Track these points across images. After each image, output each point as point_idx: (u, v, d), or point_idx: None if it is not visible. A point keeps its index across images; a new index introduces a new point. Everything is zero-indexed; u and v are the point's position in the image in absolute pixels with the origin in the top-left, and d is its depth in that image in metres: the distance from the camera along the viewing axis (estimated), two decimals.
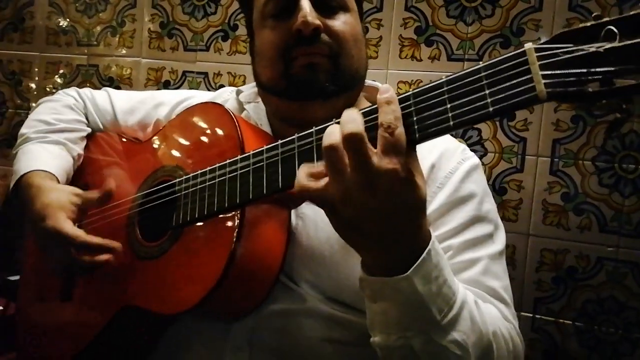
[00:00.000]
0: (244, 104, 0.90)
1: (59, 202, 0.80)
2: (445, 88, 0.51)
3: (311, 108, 0.76)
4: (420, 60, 1.31)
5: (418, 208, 0.53)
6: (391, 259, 0.54)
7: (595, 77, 0.46)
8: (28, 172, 0.86)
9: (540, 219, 1.24)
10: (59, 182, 0.87)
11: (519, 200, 1.25)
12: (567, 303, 1.23)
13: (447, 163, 0.78)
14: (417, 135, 0.52)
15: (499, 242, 0.77)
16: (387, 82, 1.34)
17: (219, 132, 0.76)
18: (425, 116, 0.51)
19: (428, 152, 0.78)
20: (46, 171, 0.86)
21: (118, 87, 1.57)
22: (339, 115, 0.53)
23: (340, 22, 0.77)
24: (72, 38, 1.62)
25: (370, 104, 0.54)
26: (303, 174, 0.54)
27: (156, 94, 1.01)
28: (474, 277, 0.70)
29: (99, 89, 1.04)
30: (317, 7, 0.75)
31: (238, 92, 0.93)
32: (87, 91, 1.02)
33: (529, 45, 0.48)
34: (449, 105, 0.51)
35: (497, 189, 1.26)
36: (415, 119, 0.52)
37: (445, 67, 1.29)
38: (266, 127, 0.85)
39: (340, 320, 0.73)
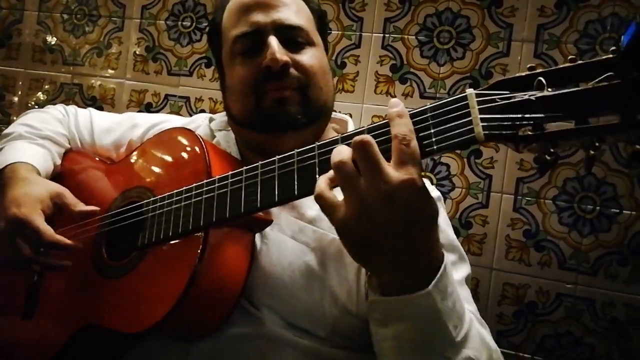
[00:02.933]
0: (215, 132, 0.92)
1: (40, 195, 0.80)
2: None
3: (282, 139, 0.79)
4: (394, 96, 1.37)
5: (434, 220, 0.52)
6: (409, 276, 0.52)
7: (528, 122, 0.50)
8: (15, 163, 0.86)
9: (503, 254, 1.28)
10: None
11: (483, 235, 1.30)
12: (527, 337, 1.26)
13: None
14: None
15: (463, 268, 0.78)
16: (362, 116, 1.39)
17: (188, 156, 0.79)
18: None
19: None
20: (35, 166, 0.86)
21: (100, 107, 1.60)
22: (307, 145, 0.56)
23: (308, 57, 0.80)
24: (58, 56, 1.65)
25: (336, 135, 0.57)
26: (324, 180, 0.53)
27: (134, 116, 1.03)
28: None
29: (82, 107, 1.06)
30: (284, 44, 0.79)
31: (210, 120, 0.96)
32: (71, 108, 1.04)
33: (470, 91, 0.52)
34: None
35: (464, 223, 1.31)
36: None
37: (418, 103, 1.34)
38: (235, 154, 0.87)
39: (299, 347, 0.73)
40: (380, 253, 0.50)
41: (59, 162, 0.96)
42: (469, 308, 0.70)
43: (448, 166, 1.33)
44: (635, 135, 0.50)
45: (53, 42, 1.66)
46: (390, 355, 0.57)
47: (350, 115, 1.36)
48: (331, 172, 0.53)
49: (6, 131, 0.96)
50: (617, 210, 1.22)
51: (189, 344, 0.75)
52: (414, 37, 1.36)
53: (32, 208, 0.77)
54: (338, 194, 0.52)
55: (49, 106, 1.04)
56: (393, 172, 0.49)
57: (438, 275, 0.52)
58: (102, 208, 0.85)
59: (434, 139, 0.53)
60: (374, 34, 1.39)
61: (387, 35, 1.38)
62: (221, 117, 0.95)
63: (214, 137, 0.92)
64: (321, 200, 0.52)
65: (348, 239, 0.52)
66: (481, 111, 0.51)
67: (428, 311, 0.52)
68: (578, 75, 0.52)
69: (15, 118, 1.63)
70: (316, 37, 0.84)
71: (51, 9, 1.66)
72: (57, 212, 0.81)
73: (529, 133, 0.50)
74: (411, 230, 0.50)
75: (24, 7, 1.68)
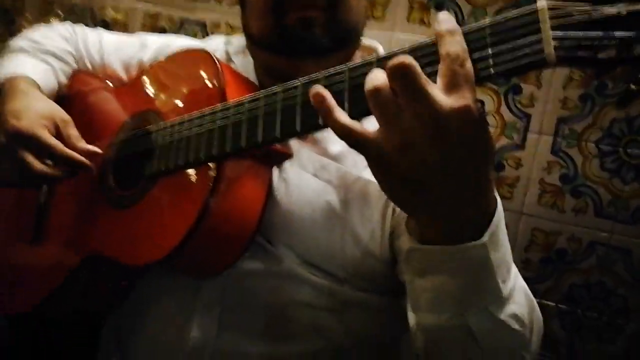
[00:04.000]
0: (232, 56, 0.85)
1: (43, 111, 0.73)
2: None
3: (302, 65, 0.71)
4: (429, 25, 1.25)
5: (491, 157, 0.45)
6: (458, 222, 0.45)
7: (613, 42, 0.42)
8: (15, 76, 0.79)
9: (536, 199, 1.21)
10: None
11: (515, 178, 1.22)
12: (554, 285, 1.22)
13: None
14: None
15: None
16: (391, 47, 1.28)
17: (202, 78, 0.72)
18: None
19: None
20: (35, 81, 0.80)
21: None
22: None
23: None
24: None
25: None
26: (336, 110, 0.44)
27: (144, 36, 0.96)
28: None
29: None
30: None
31: (227, 43, 0.88)
32: (80, 27, 0.98)
33: (541, 4, 0.44)
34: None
35: (496, 164, 1.23)
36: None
37: None
38: (254, 80, 0.80)
39: (317, 286, 0.70)
40: (426, 194, 0.43)
41: (64, 80, 0.90)
42: None
43: (482, 103, 1.23)
44: None
45: None
46: (426, 307, 0.51)
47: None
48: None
49: (8, 43, 0.90)
50: None
51: (201, 280, 0.72)
52: None
53: (35, 122, 0.71)
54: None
55: (55, 23, 0.97)
56: (443, 98, 0.40)
57: (492, 224, 0.45)
58: (110, 133, 0.80)
59: (491, 61, 0.44)
60: None
61: None
62: (239, 40, 0.87)
63: (230, 61, 0.85)
64: (350, 136, 0.43)
65: (386, 177, 0.44)
66: (554, 27, 0.42)
67: (479, 264, 0.45)
68: None
69: None
70: None
71: None
72: (61, 135, 0.74)
73: (616, 56, 0.42)
74: (465, 169, 0.42)
75: None
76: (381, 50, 0.84)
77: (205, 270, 0.72)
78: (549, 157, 1.20)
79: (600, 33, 0.42)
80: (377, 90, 0.42)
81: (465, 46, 0.43)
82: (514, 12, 0.45)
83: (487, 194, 0.45)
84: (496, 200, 0.47)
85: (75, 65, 0.92)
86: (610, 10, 0.42)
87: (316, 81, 0.52)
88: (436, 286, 0.49)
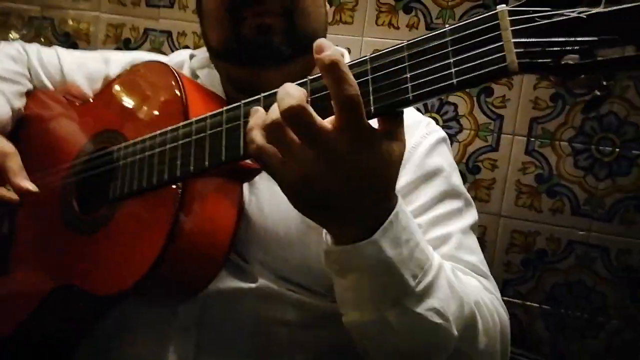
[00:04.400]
0: (197, 70, 0.83)
1: None
2: (405, 54, 0.45)
3: (264, 74, 0.71)
4: (398, 28, 1.24)
5: (385, 176, 0.48)
6: (359, 228, 0.49)
7: (575, 47, 0.41)
8: None
9: (513, 200, 1.21)
10: None
11: (492, 180, 1.22)
12: (535, 286, 1.21)
13: (410, 138, 0.73)
14: (372, 108, 0.45)
15: (469, 216, 0.73)
16: (361, 50, 1.27)
17: (163, 94, 0.69)
18: (383, 86, 0.45)
19: None
20: None
21: (75, 44, 1.46)
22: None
23: None
24: None
25: None
26: (258, 131, 0.47)
27: (107, 52, 0.93)
28: (449, 252, 0.67)
29: (54, 44, 0.94)
30: None
31: (191, 57, 0.86)
32: (32, 45, 0.93)
33: (502, 7, 0.42)
34: (408, 75, 0.44)
35: (471, 167, 1.22)
36: (372, 88, 0.45)
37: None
38: (220, 95, 0.78)
39: (294, 302, 0.69)
40: (327, 211, 0.48)
41: (17, 103, 0.85)
42: (467, 258, 0.67)
43: (455, 106, 1.23)
44: None
45: None
46: (351, 306, 0.54)
47: (349, 50, 1.24)
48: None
49: None
50: (639, 152, 1.13)
51: (177, 303, 0.69)
52: None
53: None
54: None
55: (1, 42, 0.92)
56: (335, 135, 0.43)
57: (385, 223, 0.48)
58: (72, 153, 0.76)
59: (453, 70, 0.43)
60: None
61: None
62: (203, 52, 0.85)
63: (196, 76, 0.82)
64: (260, 159, 0.47)
65: (293, 200, 0.48)
66: (515, 34, 0.41)
67: (377, 260, 0.49)
68: None
69: None
70: None
71: None
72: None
73: (579, 62, 0.41)
74: (359, 190, 0.46)
75: None
76: (347, 57, 0.83)
77: (180, 293, 0.69)
78: (524, 158, 1.19)
79: (562, 39, 0.41)
80: (272, 123, 0.44)
81: (353, 82, 0.42)
82: (474, 19, 0.43)
83: (384, 203, 0.49)
84: (395, 204, 0.50)
85: (30, 85, 0.88)
86: (571, 14, 0.41)
87: (257, 101, 0.52)
88: (353, 285, 0.52)
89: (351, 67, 0.46)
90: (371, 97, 0.45)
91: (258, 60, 0.70)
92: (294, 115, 0.42)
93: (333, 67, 0.41)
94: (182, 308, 0.69)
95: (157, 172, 0.62)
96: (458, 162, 1.18)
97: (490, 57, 0.42)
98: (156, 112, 0.70)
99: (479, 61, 0.42)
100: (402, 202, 0.51)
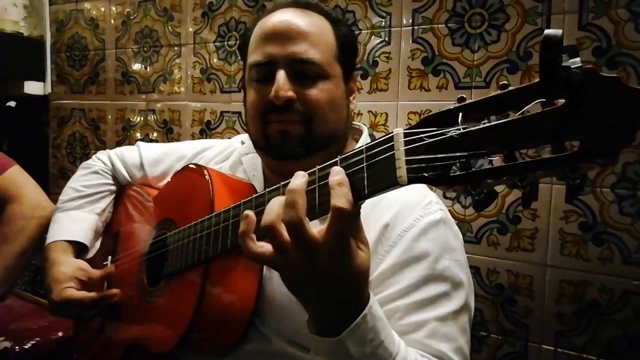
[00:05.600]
0: (242, 156, 0.98)
1: (65, 275, 0.97)
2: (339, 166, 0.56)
3: (286, 165, 0.83)
4: (429, 90, 1.32)
5: (357, 277, 0.56)
6: (330, 320, 0.57)
7: (453, 161, 0.47)
8: (50, 243, 1.04)
9: (558, 250, 1.18)
10: (74, 249, 1.04)
11: (534, 230, 1.20)
12: (591, 338, 1.16)
13: (403, 221, 0.78)
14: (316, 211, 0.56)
15: (457, 300, 0.75)
16: (397, 113, 1.36)
17: (196, 192, 0.86)
18: (323, 193, 0.55)
19: (387, 208, 0.79)
20: (64, 241, 1.03)
21: (171, 129, 1.78)
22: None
23: (316, 91, 0.81)
24: (134, 87, 1.86)
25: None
26: (247, 238, 0.58)
27: (180, 146, 1.13)
28: (420, 339, 0.71)
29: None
30: (295, 76, 0.81)
31: (242, 142, 1.01)
32: (117, 150, 1.17)
33: (397, 130, 0.51)
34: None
35: (511, 218, 1.23)
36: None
37: (453, 95, 1.28)
38: (259, 177, 0.93)
39: None
40: (305, 297, 0.58)
41: (101, 207, 1.11)
42: (437, 347, 0.71)
43: (492, 160, 1.25)
44: (569, 168, 0.45)
45: (129, 74, 1.87)
46: None
47: (387, 115, 1.35)
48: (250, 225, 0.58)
49: (59, 197, 1.13)
50: None
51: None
52: (443, 25, 1.29)
53: (61, 290, 0.95)
54: None
55: (94, 156, 1.18)
56: (323, 243, 0.53)
57: (352, 325, 0.56)
58: (146, 236, 0.97)
59: (366, 182, 0.53)
60: (402, 28, 1.35)
61: (416, 27, 1.33)
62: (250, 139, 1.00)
63: (240, 162, 0.98)
64: (253, 257, 0.58)
65: (282, 278, 0.58)
66: (408, 152, 0.49)
67: (340, 355, 0.56)
68: (509, 104, 0.47)
69: (108, 145, 1.89)
70: (333, 67, 0.84)
71: (125, 45, 1.87)
72: (84, 282, 0.98)
73: (460, 173, 0.47)
74: (332, 286, 0.55)
75: (104, 47, 1.92)
76: (365, 133, 0.93)
77: (213, 352, 0.84)
78: (564, 206, 1.17)
79: (443, 154, 0.47)
80: (270, 226, 0.55)
81: (349, 197, 0.53)
82: (380, 138, 0.53)
83: (355, 301, 0.57)
84: (364, 306, 0.57)
85: (112, 187, 1.13)
86: (449, 133, 0.48)
87: (261, 196, 0.65)
88: None
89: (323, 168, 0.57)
90: (316, 202, 0.56)
91: (279, 156, 0.84)
92: (294, 226, 0.53)
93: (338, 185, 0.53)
94: None
95: (191, 255, 0.79)
96: (498, 213, 1.21)
97: (386, 172, 0.51)
98: (193, 206, 0.86)
99: (379, 175, 0.51)
100: (373, 301, 0.59)
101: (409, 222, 0.77)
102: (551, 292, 1.19)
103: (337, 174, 0.54)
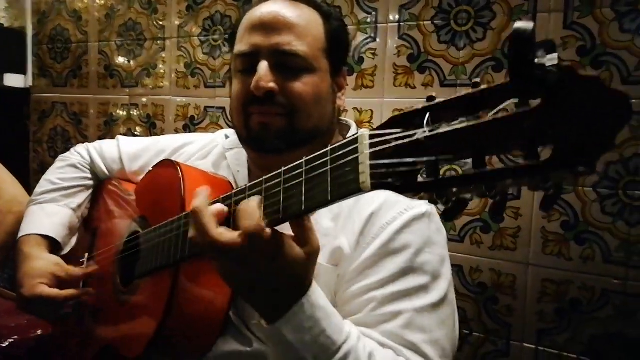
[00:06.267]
0: (226, 151, 0.95)
1: (39, 271, 0.93)
2: (304, 169, 0.53)
3: (268, 158, 0.82)
4: (415, 87, 1.31)
5: (291, 269, 0.57)
6: (266, 309, 0.60)
7: (420, 167, 0.44)
8: (22, 237, 1.00)
9: (540, 248, 1.19)
10: (48, 244, 1.00)
11: (516, 228, 1.21)
12: (572, 336, 1.17)
13: (386, 214, 0.77)
14: (280, 216, 0.54)
15: (436, 293, 0.73)
16: (382, 110, 1.36)
17: (169, 190, 0.84)
18: (288, 196, 0.54)
19: (372, 200, 0.78)
20: (37, 235, 1.00)
21: (154, 123, 1.75)
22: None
23: (300, 84, 0.79)
24: (117, 81, 1.84)
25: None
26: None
27: (160, 141, 1.09)
28: (393, 330, 0.70)
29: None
30: (279, 68, 0.79)
31: (226, 137, 0.99)
32: (96, 144, 1.13)
33: (363, 131, 0.47)
34: (304, 188, 0.52)
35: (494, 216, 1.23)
36: (282, 197, 0.54)
37: (438, 92, 1.24)
38: (244, 173, 0.90)
39: None
40: (240, 294, 0.63)
41: (77, 202, 1.08)
42: (410, 338, 0.69)
43: None
44: (542, 178, 0.42)
45: (113, 68, 1.84)
46: None
47: (372, 112, 1.35)
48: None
49: (35, 189, 1.09)
50: None
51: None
52: (430, 22, 1.29)
53: (33, 286, 0.92)
54: None
55: (72, 149, 1.14)
56: (232, 238, 0.55)
57: (288, 313, 0.58)
58: (122, 233, 0.94)
59: (329, 188, 0.49)
60: (389, 24, 1.34)
61: (402, 23, 1.32)
62: (234, 133, 0.96)
63: (224, 157, 0.95)
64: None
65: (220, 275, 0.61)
66: (372, 156, 0.45)
67: (280, 342, 0.59)
68: (481, 104, 0.42)
69: (90, 139, 1.86)
70: (319, 61, 0.82)
71: (108, 38, 1.84)
72: (59, 279, 0.94)
73: (427, 180, 0.43)
74: (262, 282, 0.57)
75: (87, 39, 1.89)
76: (353, 128, 0.91)
77: (187, 355, 0.81)
78: None
79: (410, 159, 0.43)
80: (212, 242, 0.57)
81: (253, 204, 0.56)
82: (345, 139, 0.49)
83: (292, 293, 0.59)
84: (302, 295, 0.58)
85: (90, 182, 1.10)
86: (413, 135, 0.43)
87: (259, 183, 0.61)
88: (270, 354, 0.64)
89: (269, 179, 0.57)
90: (281, 206, 0.54)
91: (261, 149, 0.82)
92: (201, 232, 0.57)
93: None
94: None
95: (160, 257, 0.76)
96: (481, 212, 1.21)
97: (349, 177, 0.47)
98: (166, 205, 0.83)
99: (343, 180, 0.48)
100: (314, 291, 0.59)
101: (393, 214, 0.76)
102: (533, 290, 1.20)
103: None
